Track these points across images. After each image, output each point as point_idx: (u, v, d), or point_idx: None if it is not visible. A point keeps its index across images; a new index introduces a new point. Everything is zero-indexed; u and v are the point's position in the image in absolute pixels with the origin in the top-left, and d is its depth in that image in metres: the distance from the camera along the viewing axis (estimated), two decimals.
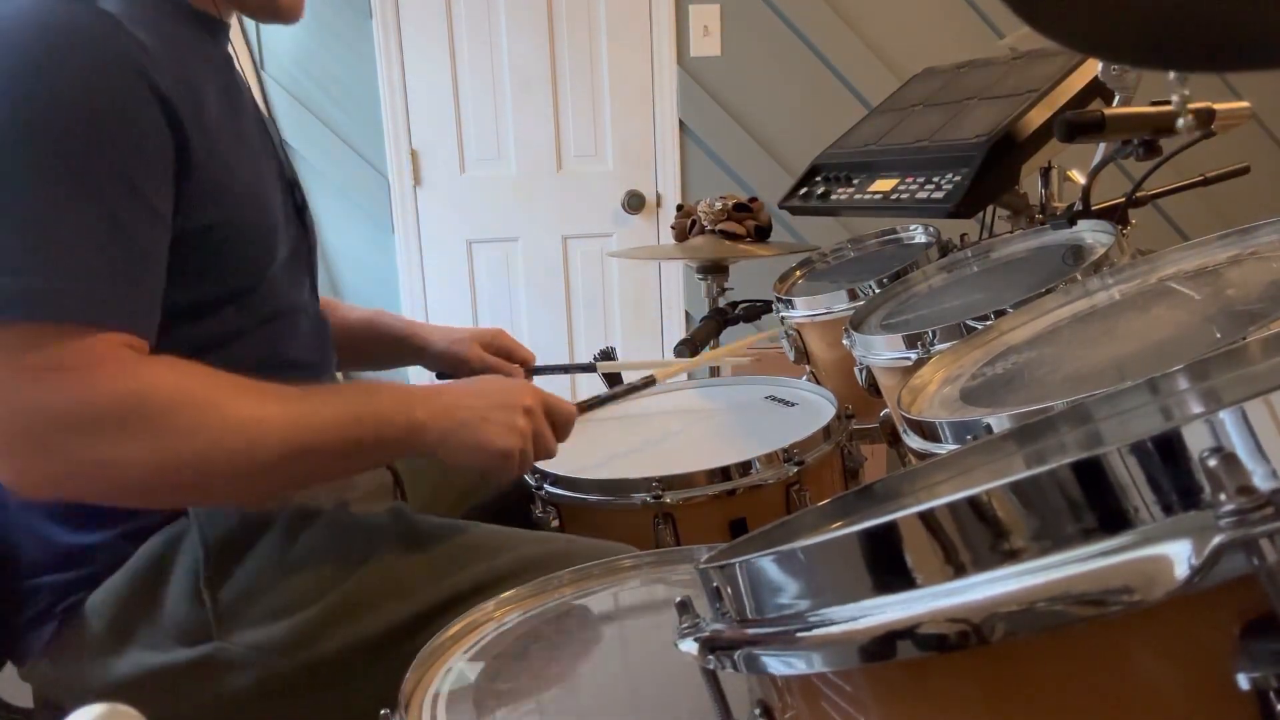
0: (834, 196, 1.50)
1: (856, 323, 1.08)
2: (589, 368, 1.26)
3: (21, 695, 0.96)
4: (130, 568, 0.86)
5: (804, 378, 1.38)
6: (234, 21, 0.97)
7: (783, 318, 1.37)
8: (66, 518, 0.86)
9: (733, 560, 0.42)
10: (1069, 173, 1.35)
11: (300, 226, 1.02)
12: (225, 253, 0.86)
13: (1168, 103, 0.99)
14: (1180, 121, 0.94)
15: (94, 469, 0.73)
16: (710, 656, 0.43)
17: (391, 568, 0.89)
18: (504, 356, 1.26)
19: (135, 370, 0.75)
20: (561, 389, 2.83)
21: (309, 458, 0.80)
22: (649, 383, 1.09)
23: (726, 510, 1.03)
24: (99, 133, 0.74)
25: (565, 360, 2.85)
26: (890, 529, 0.37)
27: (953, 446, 0.67)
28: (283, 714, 0.87)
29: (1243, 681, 0.32)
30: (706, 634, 0.44)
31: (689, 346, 1.63)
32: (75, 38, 0.75)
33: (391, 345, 1.25)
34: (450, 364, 1.25)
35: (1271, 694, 0.31)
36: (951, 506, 0.35)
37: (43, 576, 0.86)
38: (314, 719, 0.88)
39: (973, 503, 0.35)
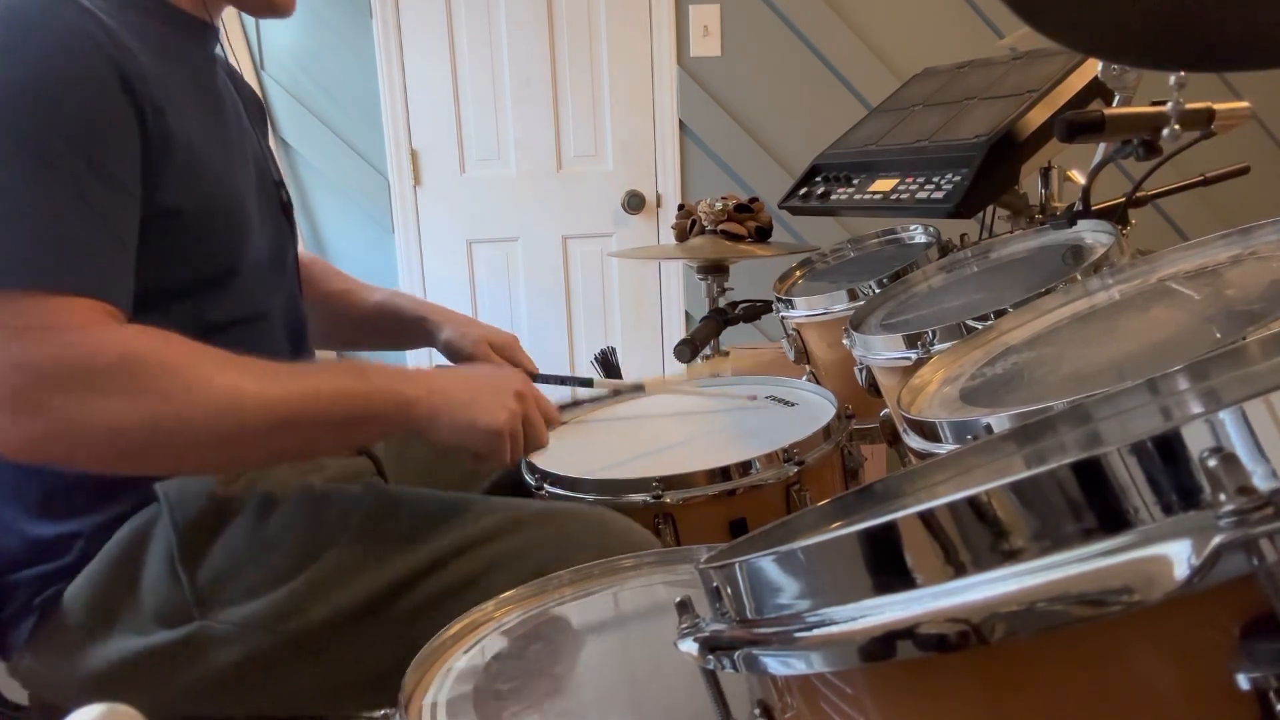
0: (834, 196, 1.50)
1: (856, 323, 1.08)
2: (586, 382, 1.27)
3: (22, 692, 0.96)
4: (105, 555, 0.86)
5: (804, 378, 1.38)
6: (236, 22, 0.99)
7: (783, 318, 1.37)
8: (39, 509, 0.86)
9: (733, 560, 0.42)
10: (1069, 173, 1.35)
11: (288, 228, 1.02)
12: (191, 240, 0.86)
13: (1168, 103, 1.00)
14: (1166, 131, 0.94)
15: (79, 428, 0.73)
16: (710, 656, 0.43)
17: (369, 536, 0.89)
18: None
19: (121, 332, 0.76)
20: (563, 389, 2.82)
21: (294, 430, 0.81)
22: (639, 386, 1.09)
23: (727, 510, 1.03)
24: (64, 113, 0.76)
25: (566, 363, 2.84)
26: (890, 529, 0.36)
27: (953, 446, 0.67)
28: (270, 687, 0.88)
29: (1243, 681, 0.32)
30: (706, 634, 0.44)
31: (689, 347, 1.63)
32: (41, 22, 0.77)
33: (405, 327, 1.26)
34: (455, 357, 1.25)
35: (1271, 694, 0.31)
36: (951, 506, 0.35)
37: (18, 571, 0.87)
38: (301, 689, 0.88)
39: (973, 503, 0.35)
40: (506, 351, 1.27)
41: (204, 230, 0.87)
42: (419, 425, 0.87)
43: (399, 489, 0.97)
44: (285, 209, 1.03)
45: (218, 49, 0.99)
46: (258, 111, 1.10)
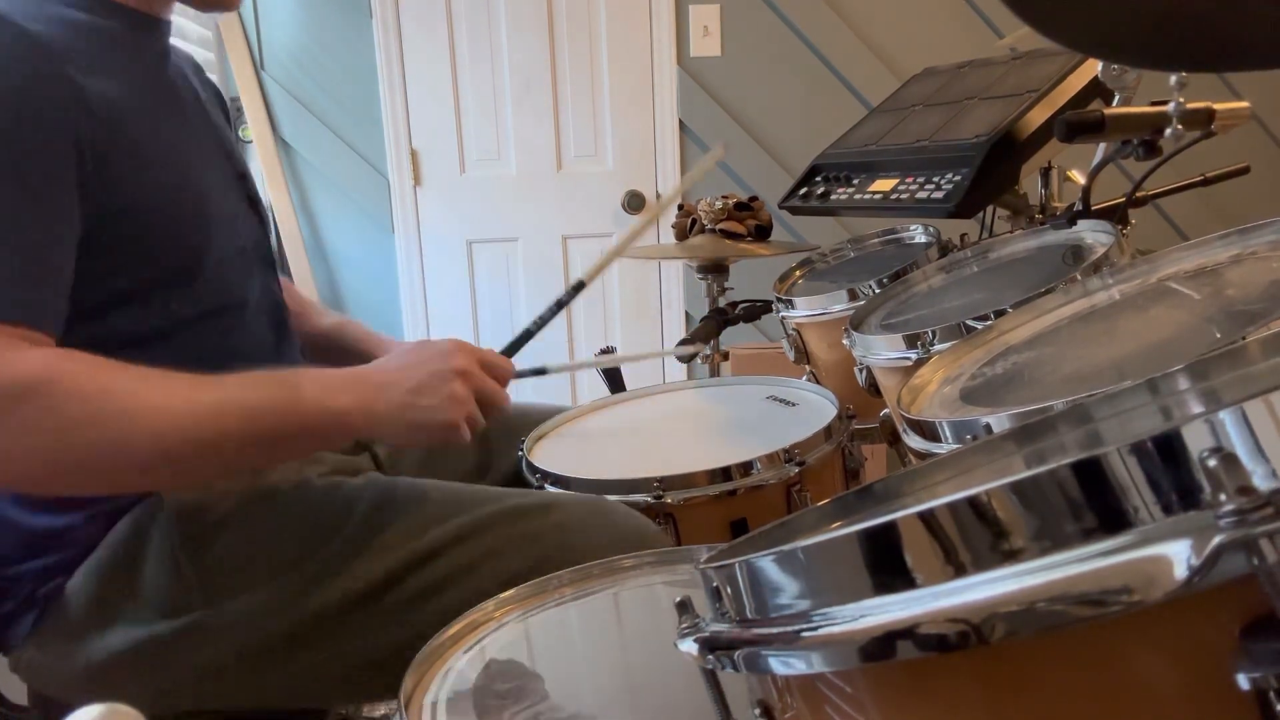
0: (834, 196, 1.50)
1: (856, 323, 1.08)
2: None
3: (21, 692, 0.96)
4: (106, 546, 0.86)
5: (804, 378, 1.38)
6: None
7: (783, 318, 1.37)
8: (36, 502, 0.86)
9: (733, 560, 0.42)
10: (1069, 173, 1.35)
11: (255, 219, 1.01)
12: (152, 237, 0.85)
13: (1168, 103, 1.00)
14: (1168, 131, 0.94)
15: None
16: (710, 656, 0.43)
17: (371, 526, 0.89)
18: None
19: (33, 357, 0.73)
20: (563, 389, 2.83)
21: (220, 450, 0.79)
22: (579, 287, 1.06)
23: (727, 510, 1.03)
24: None
25: (565, 361, 2.85)
26: (890, 529, 0.37)
27: (953, 446, 0.67)
28: (271, 676, 0.88)
29: (1243, 681, 0.32)
30: (706, 634, 0.44)
31: (689, 347, 1.63)
32: None
33: (352, 358, 1.17)
34: None
35: (1271, 694, 0.31)
36: (951, 506, 0.35)
37: (18, 564, 0.87)
38: (303, 677, 0.89)
39: (973, 503, 0.35)
40: None
41: (166, 225, 0.86)
42: (359, 435, 0.85)
43: (401, 480, 0.97)
44: (251, 200, 1.02)
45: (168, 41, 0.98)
46: (220, 105, 1.09)
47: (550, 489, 1.07)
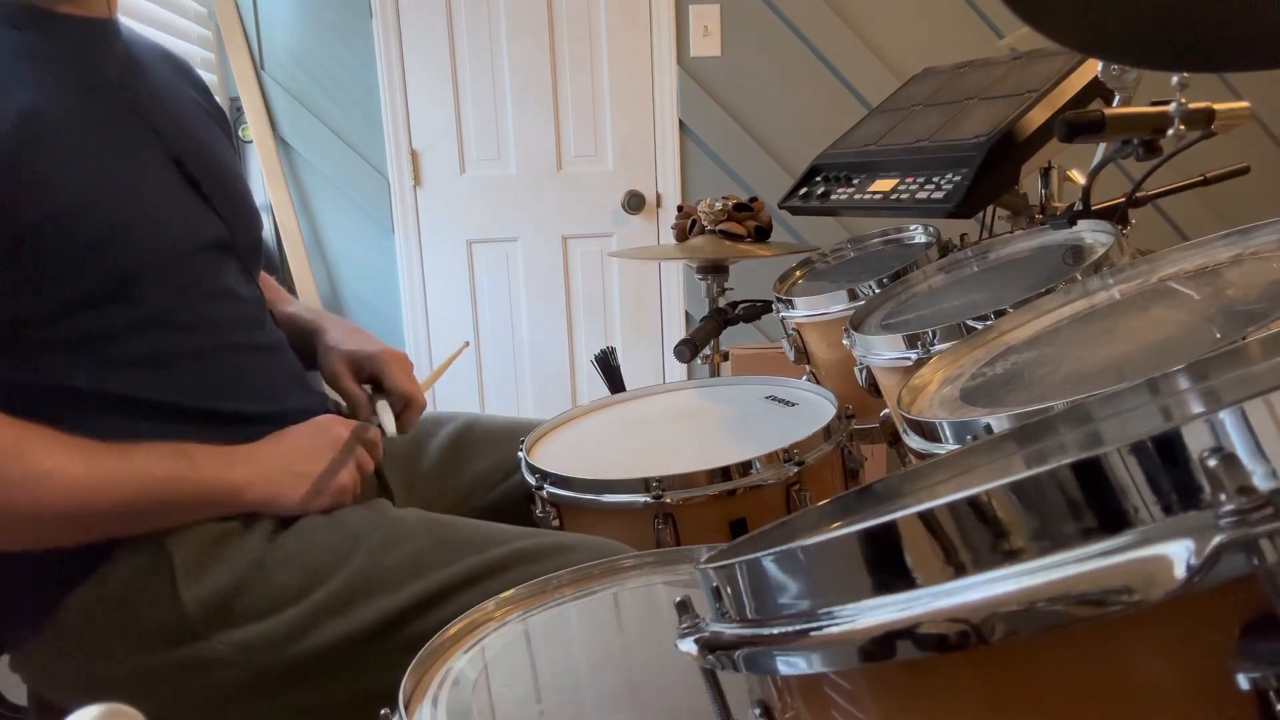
0: (834, 196, 1.50)
1: (856, 323, 1.08)
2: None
3: (21, 694, 0.96)
4: (109, 570, 0.86)
5: (804, 378, 1.38)
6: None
7: (783, 318, 1.37)
8: None
9: (733, 560, 0.42)
10: (1069, 173, 1.35)
11: (210, 214, 0.97)
12: (78, 249, 0.84)
13: (1168, 103, 1.00)
14: (1170, 131, 0.94)
15: None
16: (710, 656, 0.43)
17: (379, 561, 0.89)
18: (374, 384, 1.14)
19: None
20: (563, 389, 2.82)
21: (115, 517, 0.83)
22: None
23: (727, 510, 1.03)
24: None
25: (566, 363, 2.84)
26: (890, 529, 0.36)
27: (953, 446, 0.67)
28: (274, 708, 0.88)
29: (1243, 681, 0.32)
30: (706, 634, 0.44)
31: (689, 347, 1.63)
32: None
33: (301, 341, 1.16)
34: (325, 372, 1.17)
35: (1271, 694, 0.31)
36: (951, 506, 0.35)
37: (20, 568, 0.87)
38: (306, 712, 0.88)
39: (973, 503, 0.35)
40: (368, 369, 1.13)
41: (97, 231, 0.84)
42: (249, 508, 0.90)
43: (408, 513, 0.96)
44: (205, 198, 0.97)
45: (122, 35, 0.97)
46: (189, 81, 1.09)
47: (550, 490, 1.07)
